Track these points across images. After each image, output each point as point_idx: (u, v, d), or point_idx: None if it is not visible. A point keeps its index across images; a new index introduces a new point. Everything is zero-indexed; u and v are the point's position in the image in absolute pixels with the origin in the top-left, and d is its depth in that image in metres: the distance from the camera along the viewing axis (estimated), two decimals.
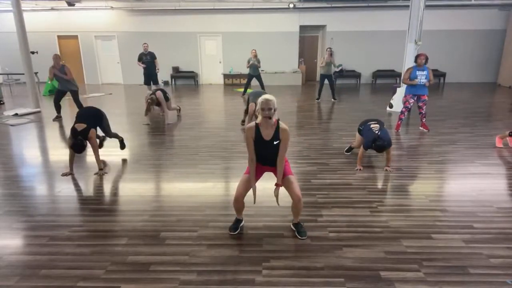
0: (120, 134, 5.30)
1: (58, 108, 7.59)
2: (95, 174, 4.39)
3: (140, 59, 9.65)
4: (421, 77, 6.09)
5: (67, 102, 9.51)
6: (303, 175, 4.30)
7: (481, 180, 4.13)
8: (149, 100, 7.10)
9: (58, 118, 7.56)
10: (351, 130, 6.28)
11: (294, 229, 3.05)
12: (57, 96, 7.54)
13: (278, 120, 2.78)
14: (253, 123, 2.79)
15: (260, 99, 2.69)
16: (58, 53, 13.43)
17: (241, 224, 3.10)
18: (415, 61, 6.26)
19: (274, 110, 2.68)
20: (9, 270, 2.56)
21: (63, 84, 7.49)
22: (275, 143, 2.76)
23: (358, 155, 4.57)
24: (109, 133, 4.96)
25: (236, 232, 3.02)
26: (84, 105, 7.35)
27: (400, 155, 5.10)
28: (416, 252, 2.73)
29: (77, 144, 4.16)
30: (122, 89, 12.57)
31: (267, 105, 2.64)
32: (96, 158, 4.41)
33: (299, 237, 2.95)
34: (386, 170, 4.42)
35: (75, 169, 4.58)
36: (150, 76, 9.80)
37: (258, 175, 3.01)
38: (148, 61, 9.59)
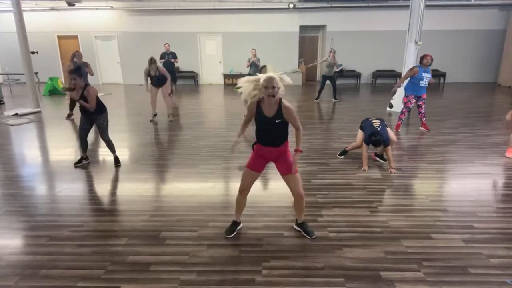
0: (119, 134, 5.28)
1: (72, 105, 7.59)
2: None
3: (162, 57, 10.77)
4: (426, 79, 6.07)
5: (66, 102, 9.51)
6: (303, 175, 4.29)
7: (481, 180, 4.13)
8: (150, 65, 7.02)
9: (70, 117, 7.57)
10: (351, 130, 6.28)
11: (299, 229, 3.02)
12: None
13: (280, 99, 2.70)
14: (256, 99, 2.74)
15: (263, 77, 2.61)
16: (58, 52, 13.51)
17: (238, 227, 3.06)
18: (421, 61, 6.14)
19: (278, 89, 2.61)
20: (9, 270, 2.56)
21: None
22: (277, 121, 2.68)
23: (362, 155, 4.56)
24: (104, 133, 4.65)
25: (232, 236, 2.97)
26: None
27: (400, 155, 5.09)
28: (416, 252, 2.73)
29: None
30: (122, 89, 12.57)
31: (270, 83, 2.57)
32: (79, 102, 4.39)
33: (308, 237, 2.93)
34: (391, 172, 4.38)
35: (75, 170, 4.59)
36: (170, 73, 10.62)
37: (260, 163, 2.87)
38: (169, 60, 10.71)
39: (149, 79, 7.18)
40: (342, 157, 4.95)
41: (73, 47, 13.47)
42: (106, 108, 4.67)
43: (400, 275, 2.47)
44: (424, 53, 6.24)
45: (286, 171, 2.82)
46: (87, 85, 4.46)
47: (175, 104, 7.95)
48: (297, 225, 3.05)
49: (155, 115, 7.50)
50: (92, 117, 4.55)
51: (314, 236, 2.93)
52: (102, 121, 4.59)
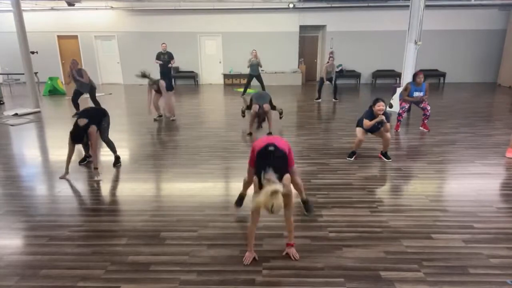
0: (119, 134, 5.28)
1: (76, 106, 7.81)
2: (94, 169, 4.33)
3: (158, 57, 10.64)
4: (415, 95, 6.16)
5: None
6: (303, 175, 4.29)
7: (481, 180, 4.13)
8: (149, 83, 7.20)
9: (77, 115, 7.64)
10: (351, 130, 6.27)
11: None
12: (74, 95, 7.83)
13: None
14: None
15: (272, 203, 2.19)
16: (58, 52, 13.51)
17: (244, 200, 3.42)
18: (413, 79, 6.21)
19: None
20: (9, 270, 2.56)
21: (79, 85, 7.75)
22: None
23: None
24: (104, 135, 4.66)
25: (241, 207, 3.40)
26: (83, 104, 7.37)
27: (400, 155, 5.09)
28: (416, 252, 2.73)
29: (76, 131, 4.17)
30: (122, 89, 12.57)
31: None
32: (93, 155, 4.37)
33: (305, 212, 3.26)
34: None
35: (76, 170, 4.58)
36: (165, 74, 10.54)
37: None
38: (165, 60, 10.59)
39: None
40: (352, 158, 4.84)
41: (73, 47, 13.51)
42: (107, 112, 4.66)
43: (400, 275, 2.47)
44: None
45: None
46: (89, 124, 4.36)
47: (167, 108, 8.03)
48: (302, 202, 3.32)
49: (160, 116, 7.63)
50: (99, 120, 4.53)
51: (310, 214, 3.25)
52: (104, 122, 4.58)
